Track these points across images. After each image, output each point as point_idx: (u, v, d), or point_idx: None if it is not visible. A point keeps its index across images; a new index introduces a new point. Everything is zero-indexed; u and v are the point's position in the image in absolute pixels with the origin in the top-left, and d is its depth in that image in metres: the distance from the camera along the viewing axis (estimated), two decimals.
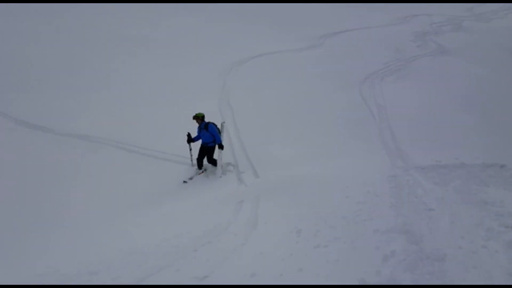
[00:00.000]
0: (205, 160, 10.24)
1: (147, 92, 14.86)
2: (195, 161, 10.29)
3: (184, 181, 9.64)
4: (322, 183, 7.65)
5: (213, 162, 10.07)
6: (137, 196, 8.91)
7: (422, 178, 7.02)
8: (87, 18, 21.79)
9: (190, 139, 10.09)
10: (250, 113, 13.37)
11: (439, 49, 20.36)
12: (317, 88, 15.27)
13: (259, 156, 10.51)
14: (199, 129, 10.07)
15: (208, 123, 9.92)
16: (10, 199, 8.44)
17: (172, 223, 6.96)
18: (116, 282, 4.48)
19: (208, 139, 9.97)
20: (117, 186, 9.34)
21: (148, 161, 10.58)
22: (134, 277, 4.54)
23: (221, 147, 9.87)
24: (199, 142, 10.24)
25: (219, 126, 10.28)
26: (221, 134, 10.11)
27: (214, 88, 15.40)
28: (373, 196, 6.32)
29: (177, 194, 8.96)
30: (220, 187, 8.98)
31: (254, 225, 5.98)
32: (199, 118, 10.01)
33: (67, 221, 7.67)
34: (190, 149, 10.32)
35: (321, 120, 12.52)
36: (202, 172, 10.07)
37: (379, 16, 28.62)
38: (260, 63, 18.18)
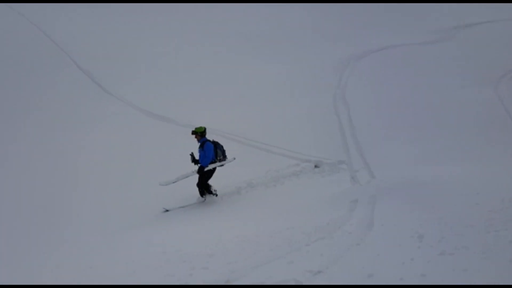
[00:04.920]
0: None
1: (264, 89, 15.25)
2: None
3: (166, 210, 8.14)
4: (447, 187, 7.03)
5: (205, 187, 8.33)
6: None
7: None
8: (214, 16, 23.00)
9: (194, 160, 8.33)
10: (367, 110, 12.91)
11: None
12: (444, 84, 14.10)
13: (375, 154, 10.08)
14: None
15: (206, 141, 8.19)
16: (143, 181, 9.32)
17: (284, 216, 7.02)
18: (232, 266, 4.67)
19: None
20: (233, 178, 9.68)
21: (265, 156, 10.84)
22: (248, 264, 4.66)
23: (199, 170, 8.08)
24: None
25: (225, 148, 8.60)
26: (217, 161, 8.33)
27: (329, 83, 15.18)
28: (510, 205, 5.61)
29: (290, 190, 8.98)
30: (332, 185, 8.80)
31: (370, 226, 5.73)
32: (197, 134, 8.23)
33: (190, 209, 8.19)
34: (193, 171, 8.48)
35: (446, 119, 11.56)
36: (208, 197, 8.44)
37: None
38: (380, 57, 17.43)
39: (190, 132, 8.38)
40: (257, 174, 9.67)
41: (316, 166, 9.91)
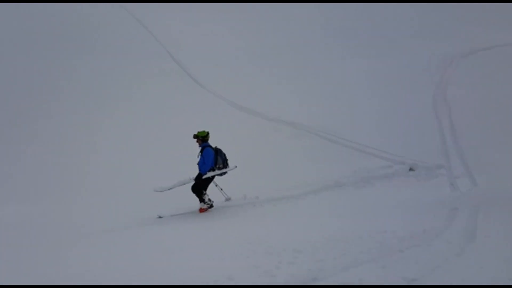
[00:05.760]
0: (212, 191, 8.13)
1: (357, 85, 14.80)
2: (227, 195, 8.35)
3: (159, 216, 7.77)
4: None
5: (198, 194, 7.80)
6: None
7: None
8: (305, 14, 22.92)
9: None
10: (471, 112, 11.92)
11: None
12: None
13: (478, 160, 9.26)
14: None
15: (207, 147, 7.74)
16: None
17: (375, 218, 6.71)
18: (320, 264, 4.57)
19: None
20: (316, 173, 9.53)
21: (352, 154, 10.52)
22: (338, 264, 4.52)
23: (198, 178, 7.68)
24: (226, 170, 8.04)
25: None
26: (216, 169, 7.82)
27: (428, 82, 14.25)
28: None
29: (381, 192, 8.57)
30: (429, 191, 8.25)
31: (472, 237, 5.26)
32: (198, 138, 7.80)
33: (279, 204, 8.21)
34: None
35: None
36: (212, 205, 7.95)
37: None
38: (488, 56, 15.91)
39: (193, 135, 7.87)
40: (344, 173, 9.42)
41: (411, 169, 9.35)
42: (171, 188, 7.92)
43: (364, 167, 9.66)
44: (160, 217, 7.74)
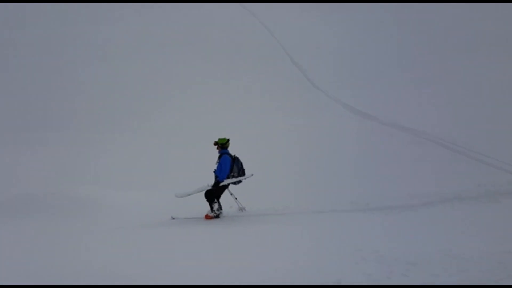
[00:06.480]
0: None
1: (489, 93, 13.61)
2: (241, 204, 8.34)
3: (172, 218, 8.18)
4: None
5: (209, 201, 7.93)
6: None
7: None
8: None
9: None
10: None
11: None
12: None
13: None
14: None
15: (225, 154, 7.91)
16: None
17: (499, 237, 6.21)
18: (434, 279, 4.46)
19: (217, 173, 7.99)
20: (434, 184, 9.06)
21: (475, 166, 9.78)
22: (453, 281, 4.38)
23: (215, 184, 7.86)
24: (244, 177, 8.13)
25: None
26: (231, 177, 7.92)
27: None
28: None
29: (506, 207, 7.86)
30: None
31: None
32: (218, 145, 8.04)
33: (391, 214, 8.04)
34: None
35: None
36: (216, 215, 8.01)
37: None
38: None
39: (213, 142, 8.11)
40: (466, 186, 8.80)
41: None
42: (190, 194, 8.23)
43: (490, 182, 8.92)
44: (173, 218, 8.14)
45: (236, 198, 8.30)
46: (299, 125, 12.88)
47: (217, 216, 7.96)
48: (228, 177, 7.93)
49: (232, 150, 8.14)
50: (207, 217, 7.99)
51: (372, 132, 12.18)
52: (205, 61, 18.81)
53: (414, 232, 6.56)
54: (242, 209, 8.34)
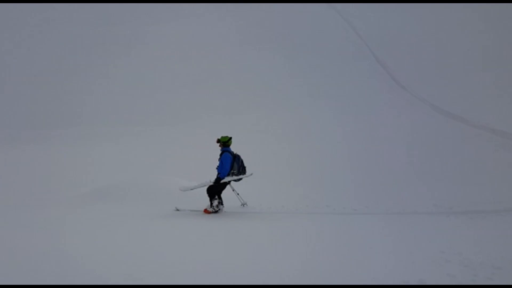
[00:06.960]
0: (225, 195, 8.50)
1: None
2: (243, 200, 8.66)
3: (177, 209, 8.49)
4: None
5: (210, 196, 8.20)
6: None
7: None
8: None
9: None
10: None
11: None
12: None
13: None
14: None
15: (226, 152, 8.16)
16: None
17: None
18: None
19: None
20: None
21: None
22: None
23: (216, 181, 8.12)
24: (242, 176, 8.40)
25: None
26: (231, 175, 8.18)
27: None
28: None
29: None
30: None
31: None
32: (220, 142, 8.29)
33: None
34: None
35: None
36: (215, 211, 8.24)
37: None
38: None
39: (216, 140, 8.39)
40: None
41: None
42: (192, 189, 8.66)
43: None
44: (177, 209, 8.49)
45: (238, 194, 8.71)
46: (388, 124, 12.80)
47: (215, 212, 8.30)
48: (228, 175, 8.27)
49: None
50: (205, 211, 8.34)
51: (460, 133, 11.80)
52: (285, 60, 19.28)
53: (499, 237, 6.47)
54: (244, 204, 8.71)
